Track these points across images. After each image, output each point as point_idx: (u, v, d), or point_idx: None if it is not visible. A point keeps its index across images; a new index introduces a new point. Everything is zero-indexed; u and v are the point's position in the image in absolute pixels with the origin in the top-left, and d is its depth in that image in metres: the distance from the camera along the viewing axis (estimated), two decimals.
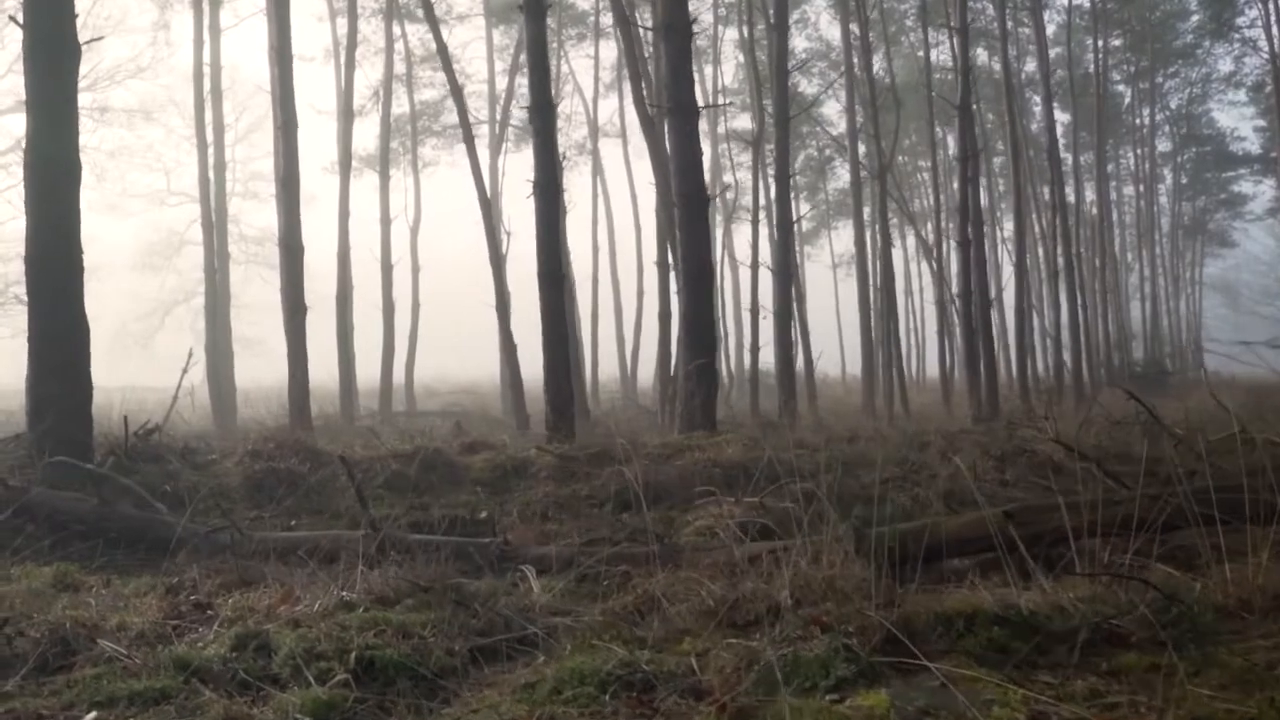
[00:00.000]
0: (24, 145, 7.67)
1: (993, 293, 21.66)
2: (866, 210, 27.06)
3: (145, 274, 34.88)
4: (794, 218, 20.42)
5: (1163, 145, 42.67)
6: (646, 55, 18.38)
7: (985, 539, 5.01)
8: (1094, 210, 33.78)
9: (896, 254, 31.08)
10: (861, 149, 26.47)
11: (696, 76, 23.22)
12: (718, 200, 28.79)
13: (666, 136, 11.35)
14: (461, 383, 36.44)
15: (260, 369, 26.85)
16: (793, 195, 25.14)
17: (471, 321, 35.78)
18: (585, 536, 5.87)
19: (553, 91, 10.75)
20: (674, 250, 15.90)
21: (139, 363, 32.12)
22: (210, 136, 21.51)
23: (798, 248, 28.94)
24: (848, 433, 11.52)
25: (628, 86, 33.86)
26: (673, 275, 18.04)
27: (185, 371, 10.99)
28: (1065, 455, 8.07)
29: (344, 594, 3.64)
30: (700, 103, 11.81)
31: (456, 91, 17.49)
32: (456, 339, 42.37)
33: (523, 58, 29.75)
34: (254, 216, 33.32)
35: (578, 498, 7.10)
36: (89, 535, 5.60)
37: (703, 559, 4.38)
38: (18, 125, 23.17)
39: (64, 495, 5.95)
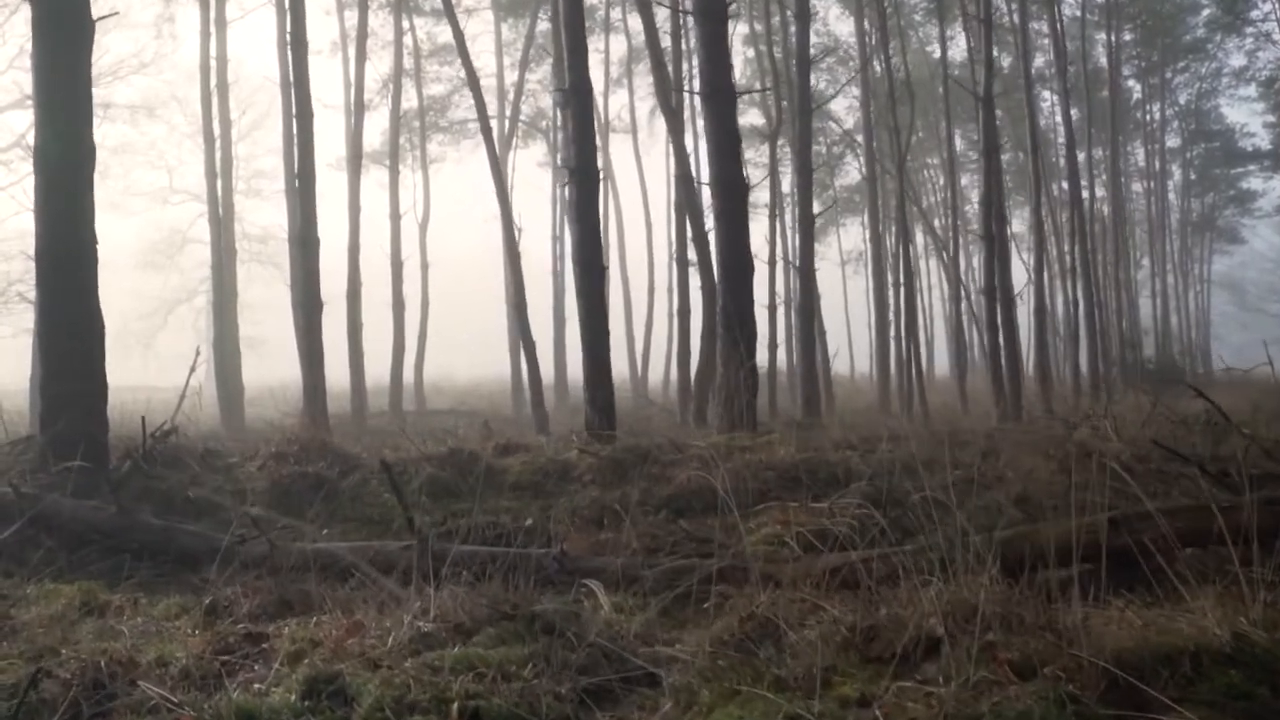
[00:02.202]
0: (33, 132, 7.21)
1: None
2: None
3: (148, 273, 34.33)
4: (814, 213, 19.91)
5: (1172, 141, 42.36)
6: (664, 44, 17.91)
7: (1092, 548, 4.60)
8: (1105, 207, 33.36)
9: None
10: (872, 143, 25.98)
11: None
12: None
13: (698, 122, 10.89)
14: (467, 382, 35.96)
15: (262, 368, 26.41)
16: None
17: (476, 320, 35.36)
18: (646, 545, 5.43)
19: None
20: (698, 243, 15.43)
21: (140, 362, 31.64)
22: (217, 130, 21.00)
23: None
24: (886, 432, 11.08)
25: (637, 81, 33.66)
26: (692, 270, 17.54)
27: (193, 370, 10.56)
28: (1132, 456, 7.67)
29: (420, 624, 3.14)
30: None
31: (473, 82, 16.95)
32: (461, 338, 41.93)
33: (532, 51, 29.41)
34: (256, 214, 32.86)
35: (629, 502, 6.62)
36: (109, 547, 5.13)
37: (806, 573, 3.91)
38: (17, 121, 22.66)
39: (82, 504, 5.46)
